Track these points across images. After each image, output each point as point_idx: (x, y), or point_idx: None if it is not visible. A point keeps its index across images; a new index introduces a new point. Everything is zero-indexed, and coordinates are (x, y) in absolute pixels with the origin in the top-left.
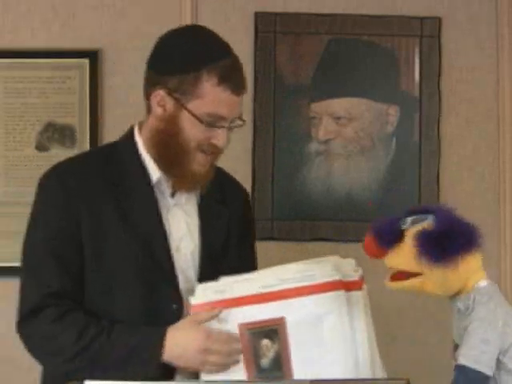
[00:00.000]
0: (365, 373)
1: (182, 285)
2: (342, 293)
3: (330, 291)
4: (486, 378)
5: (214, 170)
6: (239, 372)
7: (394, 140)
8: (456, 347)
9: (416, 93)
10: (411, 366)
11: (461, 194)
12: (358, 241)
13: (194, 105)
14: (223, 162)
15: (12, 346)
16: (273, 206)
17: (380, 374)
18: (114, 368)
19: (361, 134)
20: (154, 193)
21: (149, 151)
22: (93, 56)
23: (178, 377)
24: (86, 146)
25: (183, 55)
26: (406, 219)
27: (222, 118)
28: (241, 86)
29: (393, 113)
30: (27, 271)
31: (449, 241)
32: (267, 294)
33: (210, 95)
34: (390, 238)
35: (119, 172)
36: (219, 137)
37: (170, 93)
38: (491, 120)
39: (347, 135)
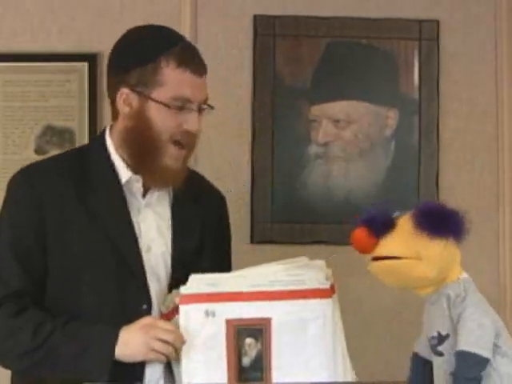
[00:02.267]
0: (340, 379)
1: (153, 286)
2: (329, 301)
3: (319, 298)
4: (486, 360)
5: (189, 170)
6: (220, 368)
7: (393, 143)
8: (439, 338)
9: (415, 95)
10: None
11: (460, 196)
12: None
13: (158, 92)
14: (222, 164)
15: None
16: (272, 209)
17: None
18: (64, 365)
19: (360, 136)
20: (124, 193)
21: (118, 152)
22: (92, 59)
23: (147, 370)
24: None
25: (138, 49)
26: (395, 211)
27: (188, 101)
28: (200, 67)
29: (392, 115)
30: None
31: (448, 216)
32: (258, 293)
33: (172, 79)
34: (383, 226)
35: (88, 173)
36: (190, 121)
37: (132, 89)
38: (490, 122)
39: (346, 138)
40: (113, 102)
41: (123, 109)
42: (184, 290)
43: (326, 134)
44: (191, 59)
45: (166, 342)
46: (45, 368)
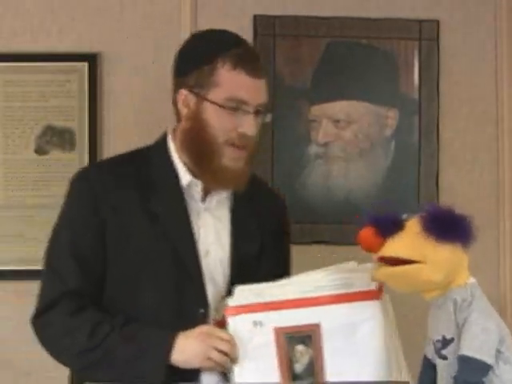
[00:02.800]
0: (394, 379)
1: (211, 290)
2: (378, 302)
3: (367, 300)
4: (488, 366)
5: (250, 171)
6: (273, 377)
7: (393, 143)
8: (444, 341)
9: (415, 95)
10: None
11: (460, 197)
12: (358, 244)
13: (214, 93)
14: None
15: (13, 350)
16: None
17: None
18: (120, 367)
19: (360, 136)
20: (184, 197)
21: (180, 156)
22: (92, 59)
23: (204, 376)
24: (85, 150)
25: (197, 52)
26: (404, 213)
27: (244, 102)
28: (257, 70)
29: (392, 115)
30: (48, 269)
31: (457, 222)
32: (304, 300)
33: (227, 80)
34: (391, 226)
35: (149, 175)
36: (245, 124)
37: (190, 90)
38: (490, 122)
39: (346, 138)
40: (175, 104)
41: (182, 110)
42: (231, 301)
43: (326, 134)
44: (248, 61)
45: (222, 351)
46: (101, 368)
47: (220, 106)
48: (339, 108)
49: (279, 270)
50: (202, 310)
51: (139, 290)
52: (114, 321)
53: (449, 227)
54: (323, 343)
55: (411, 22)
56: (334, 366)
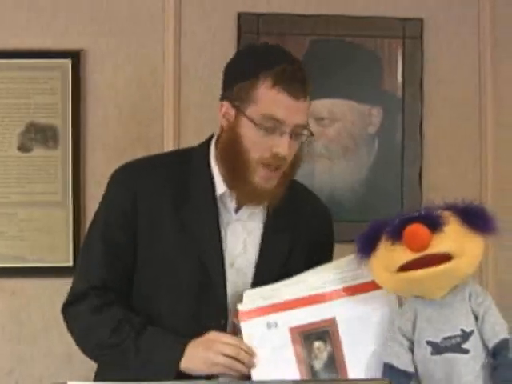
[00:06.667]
0: None
1: (233, 300)
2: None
3: (377, 289)
4: None
5: (286, 188)
6: (293, 375)
7: (377, 141)
8: (464, 335)
9: (399, 94)
10: None
11: (443, 194)
12: (341, 241)
13: (251, 109)
14: None
15: None
16: None
17: None
18: (132, 373)
19: (343, 134)
20: (217, 206)
21: (217, 164)
22: (75, 56)
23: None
24: (69, 147)
25: (243, 66)
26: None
27: (279, 122)
28: (299, 90)
29: (375, 114)
30: (80, 260)
31: (487, 214)
32: (315, 296)
33: (265, 97)
34: (439, 222)
35: (186, 180)
36: (279, 144)
37: (231, 103)
38: (473, 121)
39: (330, 136)
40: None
41: (223, 122)
42: (241, 307)
43: None
44: (290, 80)
45: (228, 356)
46: (116, 366)
47: (256, 123)
48: (323, 106)
49: None
50: (222, 321)
51: (160, 293)
52: (133, 322)
53: (484, 220)
54: (341, 337)
55: (395, 21)
56: (354, 357)
